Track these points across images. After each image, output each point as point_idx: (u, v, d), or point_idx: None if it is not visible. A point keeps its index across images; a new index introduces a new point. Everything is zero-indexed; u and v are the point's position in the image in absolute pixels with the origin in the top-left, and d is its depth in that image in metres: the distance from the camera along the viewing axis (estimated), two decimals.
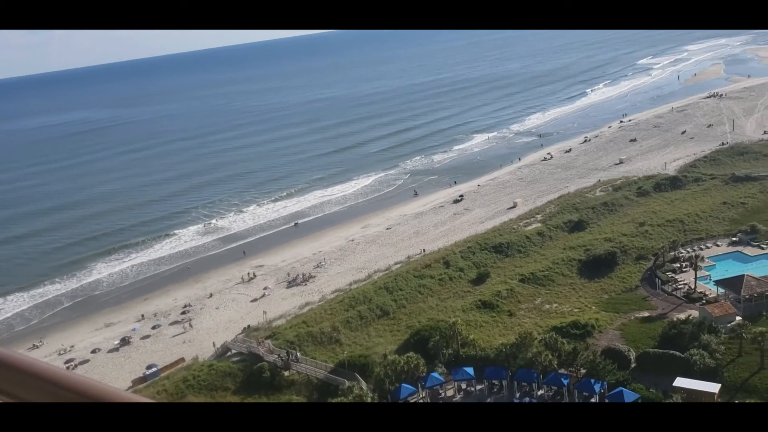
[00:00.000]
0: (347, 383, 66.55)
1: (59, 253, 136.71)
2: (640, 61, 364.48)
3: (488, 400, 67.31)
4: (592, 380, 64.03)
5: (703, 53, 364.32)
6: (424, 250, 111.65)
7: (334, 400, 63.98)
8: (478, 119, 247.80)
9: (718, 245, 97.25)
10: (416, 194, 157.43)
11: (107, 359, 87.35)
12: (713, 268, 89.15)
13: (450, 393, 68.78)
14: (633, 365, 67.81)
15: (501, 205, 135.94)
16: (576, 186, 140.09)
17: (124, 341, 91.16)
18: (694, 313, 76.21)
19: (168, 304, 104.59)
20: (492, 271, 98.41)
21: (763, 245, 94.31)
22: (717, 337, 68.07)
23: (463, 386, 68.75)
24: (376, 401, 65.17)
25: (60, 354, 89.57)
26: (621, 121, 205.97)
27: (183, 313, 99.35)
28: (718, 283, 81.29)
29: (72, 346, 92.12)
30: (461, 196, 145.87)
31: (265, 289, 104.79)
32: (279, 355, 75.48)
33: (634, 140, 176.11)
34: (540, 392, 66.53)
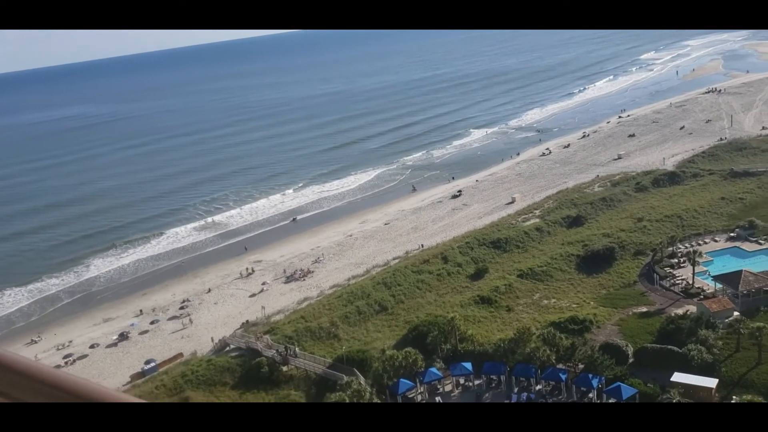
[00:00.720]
0: (345, 378, 66.64)
1: (58, 249, 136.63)
2: (642, 56, 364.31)
3: (486, 395, 67.49)
4: (590, 375, 64.18)
5: (703, 48, 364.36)
6: (422, 246, 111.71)
7: (333, 395, 64.09)
8: (477, 115, 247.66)
9: (716, 241, 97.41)
10: (414, 189, 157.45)
11: (105, 354, 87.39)
12: (711, 263, 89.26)
13: (448, 388, 68.92)
14: (631, 360, 67.95)
15: (499, 200, 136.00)
16: (574, 181, 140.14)
17: (123, 336, 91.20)
18: (692, 309, 76.42)
19: (166, 300, 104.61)
20: (490, 267, 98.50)
21: (761, 241, 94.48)
22: (715, 333, 68.22)
23: (462, 381, 68.89)
24: (374, 396, 65.30)
25: (58, 349, 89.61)
26: (620, 117, 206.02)
27: (181, 308, 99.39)
28: (715, 278, 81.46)
29: (70, 342, 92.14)
30: (460, 191, 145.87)
31: (263, 284, 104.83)
32: (277, 350, 75.57)
33: (633, 135, 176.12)
34: (538, 387, 66.71)
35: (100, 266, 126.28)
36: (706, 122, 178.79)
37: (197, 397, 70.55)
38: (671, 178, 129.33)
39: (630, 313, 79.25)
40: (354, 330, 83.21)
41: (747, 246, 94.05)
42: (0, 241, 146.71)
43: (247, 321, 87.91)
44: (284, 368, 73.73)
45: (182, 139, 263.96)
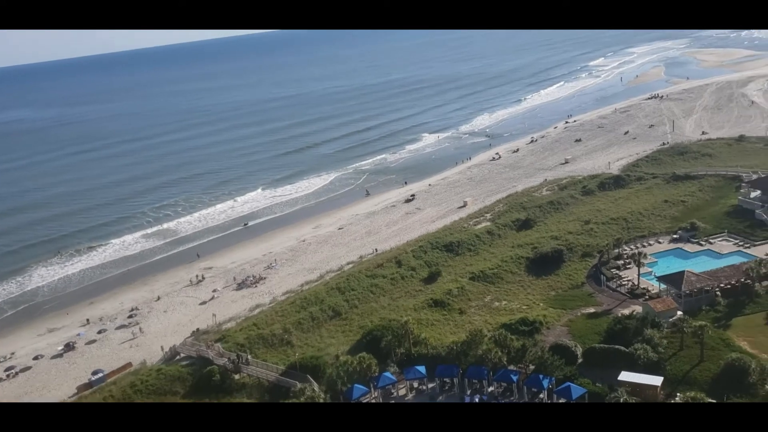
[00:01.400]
0: (299, 385, 66.11)
1: None
2: (591, 63, 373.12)
3: (439, 398, 67.91)
4: (541, 376, 65.25)
5: (647, 56, 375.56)
6: (376, 250, 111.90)
7: (286, 402, 63.49)
8: (430, 120, 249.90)
9: (659, 242, 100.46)
10: (368, 194, 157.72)
11: (50, 365, 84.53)
12: (655, 264, 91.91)
13: (402, 392, 69.08)
14: (580, 360, 69.35)
15: (451, 204, 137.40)
16: (523, 185, 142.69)
17: (69, 347, 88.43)
18: (638, 309, 78.51)
19: (114, 308, 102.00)
20: (443, 270, 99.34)
21: (702, 242, 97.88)
22: (659, 332, 70.20)
23: (415, 385, 69.14)
24: (328, 402, 64.94)
25: (0, 362, 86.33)
26: (566, 122, 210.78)
27: (130, 316, 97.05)
28: (660, 279, 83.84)
29: (12, 353, 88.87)
30: (413, 195, 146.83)
31: (214, 291, 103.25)
32: (229, 358, 74.48)
33: (579, 140, 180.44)
34: (490, 389, 67.46)
35: (45, 276, 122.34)
36: (649, 127, 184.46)
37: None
38: (616, 181, 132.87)
39: (578, 314, 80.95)
40: (307, 336, 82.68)
41: (689, 247, 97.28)
42: None
43: (198, 329, 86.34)
44: (236, 376, 72.71)
45: (131, 145, 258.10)
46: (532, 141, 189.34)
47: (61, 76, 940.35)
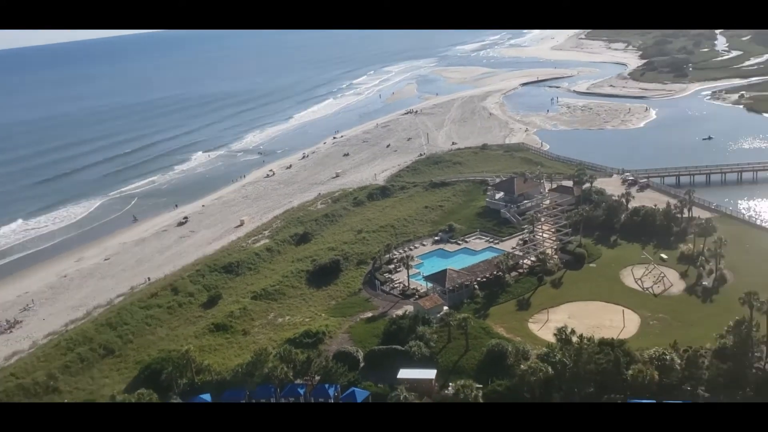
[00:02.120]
0: None
1: None
2: (356, 81, 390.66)
3: None
4: (327, 385, 67.35)
5: (402, 74, 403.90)
6: (149, 279, 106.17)
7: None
8: (201, 139, 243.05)
9: (424, 245, 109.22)
10: (136, 220, 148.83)
11: None
12: (422, 265, 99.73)
13: None
14: (362, 364, 72.74)
15: (228, 224, 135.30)
16: (299, 200, 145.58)
17: None
18: (410, 308, 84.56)
19: None
20: (224, 292, 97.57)
21: (459, 241, 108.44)
22: (430, 328, 76.33)
23: None
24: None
25: None
26: (334, 137, 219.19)
27: None
28: (426, 278, 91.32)
29: None
30: (186, 218, 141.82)
31: None
32: None
33: (347, 155, 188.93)
34: None
35: None
36: (408, 140, 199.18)
37: None
38: (383, 191, 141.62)
39: (358, 319, 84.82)
40: (77, 380, 75.80)
41: (449, 247, 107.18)
42: None
43: None
44: None
45: None
46: (303, 157, 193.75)
47: None
